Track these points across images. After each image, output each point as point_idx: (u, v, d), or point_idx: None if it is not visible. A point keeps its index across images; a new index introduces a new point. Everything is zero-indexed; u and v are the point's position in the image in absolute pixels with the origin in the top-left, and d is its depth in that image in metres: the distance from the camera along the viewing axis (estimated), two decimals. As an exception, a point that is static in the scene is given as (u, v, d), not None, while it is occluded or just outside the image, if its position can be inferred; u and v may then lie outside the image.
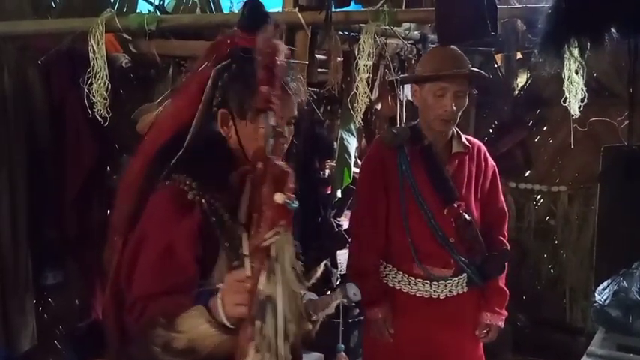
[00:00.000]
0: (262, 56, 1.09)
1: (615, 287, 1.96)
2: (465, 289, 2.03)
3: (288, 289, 1.02)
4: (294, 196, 1.04)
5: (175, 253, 1.19)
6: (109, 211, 2.71)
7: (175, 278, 1.16)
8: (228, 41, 1.28)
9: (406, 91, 2.79)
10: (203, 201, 1.22)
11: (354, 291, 1.17)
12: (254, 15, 1.25)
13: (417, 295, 2.00)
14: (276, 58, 1.09)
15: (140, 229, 1.24)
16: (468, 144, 2.04)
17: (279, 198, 1.00)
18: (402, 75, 2.53)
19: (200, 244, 1.21)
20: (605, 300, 1.95)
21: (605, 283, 2.03)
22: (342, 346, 1.58)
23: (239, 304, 1.05)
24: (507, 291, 2.09)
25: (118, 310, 1.28)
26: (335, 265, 2.78)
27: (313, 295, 1.22)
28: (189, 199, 1.22)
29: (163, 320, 1.09)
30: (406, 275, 2.01)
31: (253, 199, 1.08)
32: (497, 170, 2.13)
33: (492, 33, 2.11)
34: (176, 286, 1.16)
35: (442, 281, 1.99)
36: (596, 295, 2.00)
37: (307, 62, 2.37)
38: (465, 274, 2.01)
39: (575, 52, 1.94)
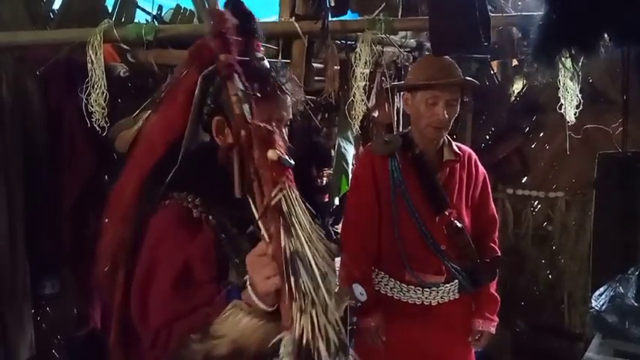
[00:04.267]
0: (213, 25, 1.08)
1: (612, 293, 1.97)
2: (457, 296, 2.03)
3: (311, 242, 0.95)
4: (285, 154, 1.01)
5: (192, 275, 1.09)
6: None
7: (195, 301, 1.05)
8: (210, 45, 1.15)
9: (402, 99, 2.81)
10: (210, 217, 1.14)
11: (360, 291, 1.14)
12: (237, 14, 1.14)
13: (409, 302, 2.00)
14: (226, 24, 1.08)
15: (146, 257, 1.13)
16: (458, 151, 2.05)
17: (272, 154, 0.98)
18: (394, 83, 2.54)
19: (215, 263, 1.12)
20: (601, 306, 1.95)
21: (601, 289, 2.04)
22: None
23: (269, 276, 0.96)
24: (499, 297, 2.09)
25: (129, 349, 1.20)
26: (333, 272, 2.78)
27: None
28: (196, 216, 1.14)
29: (196, 335, 0.99)
30: (398, 282, 2.01)
31: (245, 169, 1.03)
32: (487, 177, 2.13)
33: (485, 43, 2.13)
34: (197, 310, 1.05)
35: (434, 288, 2.00)
36: (592, 301, 2.00)
37: (304, 70, 2.39)
38: (456, 281, 2.02)
39: (567, 61, 1.96)
